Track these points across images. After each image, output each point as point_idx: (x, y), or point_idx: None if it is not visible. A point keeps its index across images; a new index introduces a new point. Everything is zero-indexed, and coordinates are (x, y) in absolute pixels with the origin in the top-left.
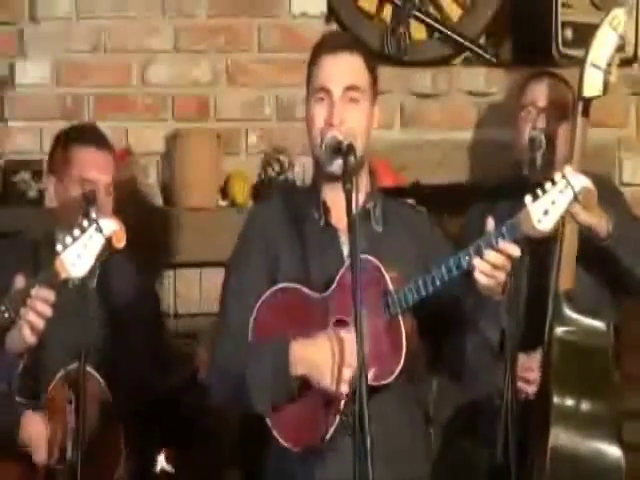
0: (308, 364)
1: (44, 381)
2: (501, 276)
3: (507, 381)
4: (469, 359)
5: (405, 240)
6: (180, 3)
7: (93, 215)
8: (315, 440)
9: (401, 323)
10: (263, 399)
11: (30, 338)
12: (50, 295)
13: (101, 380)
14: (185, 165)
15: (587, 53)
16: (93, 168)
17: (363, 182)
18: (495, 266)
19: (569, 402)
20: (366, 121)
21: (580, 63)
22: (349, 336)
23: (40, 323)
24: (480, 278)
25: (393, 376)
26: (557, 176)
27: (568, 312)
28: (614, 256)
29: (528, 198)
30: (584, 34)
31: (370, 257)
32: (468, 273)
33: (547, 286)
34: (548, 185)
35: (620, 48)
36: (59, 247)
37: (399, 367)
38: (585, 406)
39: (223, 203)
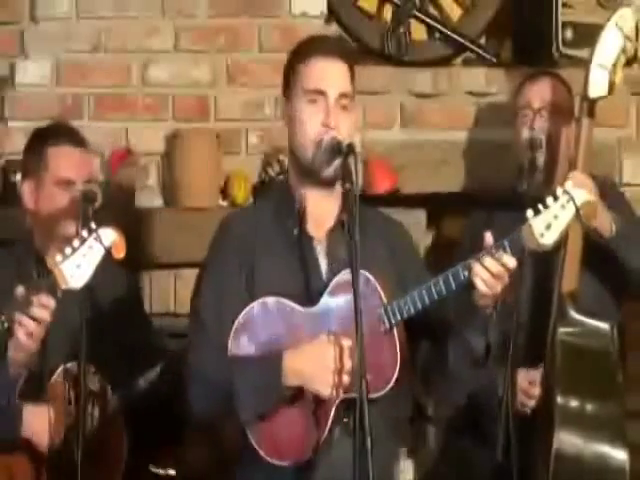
0: (303, 373)
1: (44, 382)
2: (498, 287)
3: (507, 382)
4: (451, 367)
5: (380, 249)
6: (180, 3)
7: (92, 225)
8: (303, 454)
9: (396, 337)
10: (250, 408)
11: (27, 342)
12: (50, 302)
13: (96, 375)
14: (185, 165)
15: (592, 53)
16: (68, 167)
17: (339, 192)
18: (493, 274)
19: (573, 403)
20: (353, 130)
21: (580, 63)
22: (349, 342)
23: (37, 328)
24: (479, 285)
25: (387, 388)
26: (559, 191)
27: (572, 313)
28: (617, 255)
29: (530, 212)
30: (584, 34)
31: (363, 271)
32: (463, 286)
33: (551, 287)
34: (550, 200)
35: (625, 48)
36: (59, 257)
37: (393, 380)
38: (589, 407)
39: (223, 203)
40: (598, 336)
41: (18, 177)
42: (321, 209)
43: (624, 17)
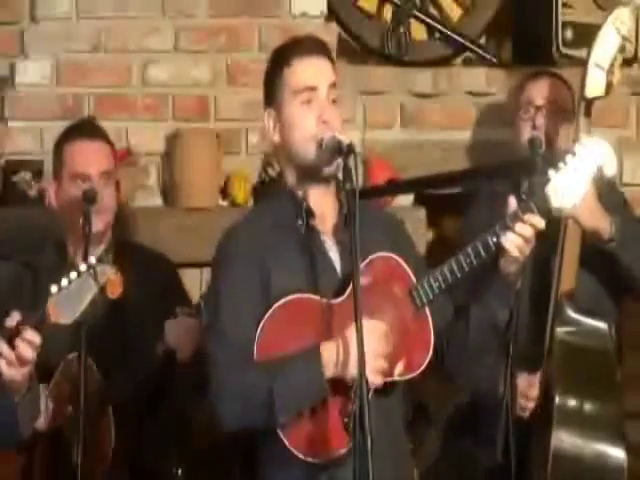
0: (343, 363)
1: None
2: (527, 250)
3: (507, 380)
4: (471, 333)
5: (379, 239)
6: (180, 3)
7: (92, 260)
8: (334, 451)
9: (428, 315)
10: (291, 408)
11: (9, 373)
12: (36, 338)
13: (96, 370)
14: (185, 165)
15: (590, 53)
16: (83, 160)
17: (333, 186)
18: (525, 238)
19: (571, 403)
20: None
21: (580, 63)
22: (374, 325)
23: (18, 363)
24: (512, 250)
25: (422, 368)
26: (577, 147)
27: (570, 313)
28: (616, 259)
29: (552, 172)
30: (584, 34)
31: (391, 254)
32: (491, 255)
33: (549, 288)
34: (569, 157)
35: (623, 48)
36: (54, 288)
37: (427, 358)
38: (588, 407)
39: (223, 203)
40: (596, 335)
41: (19, 177)
42: (323, 205)
43: (621, 17)
